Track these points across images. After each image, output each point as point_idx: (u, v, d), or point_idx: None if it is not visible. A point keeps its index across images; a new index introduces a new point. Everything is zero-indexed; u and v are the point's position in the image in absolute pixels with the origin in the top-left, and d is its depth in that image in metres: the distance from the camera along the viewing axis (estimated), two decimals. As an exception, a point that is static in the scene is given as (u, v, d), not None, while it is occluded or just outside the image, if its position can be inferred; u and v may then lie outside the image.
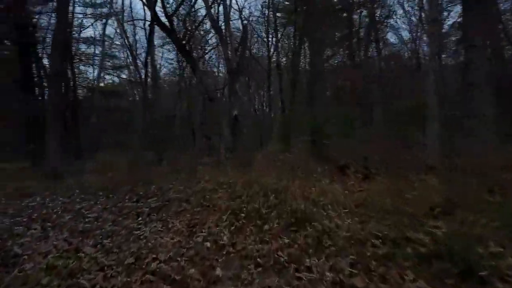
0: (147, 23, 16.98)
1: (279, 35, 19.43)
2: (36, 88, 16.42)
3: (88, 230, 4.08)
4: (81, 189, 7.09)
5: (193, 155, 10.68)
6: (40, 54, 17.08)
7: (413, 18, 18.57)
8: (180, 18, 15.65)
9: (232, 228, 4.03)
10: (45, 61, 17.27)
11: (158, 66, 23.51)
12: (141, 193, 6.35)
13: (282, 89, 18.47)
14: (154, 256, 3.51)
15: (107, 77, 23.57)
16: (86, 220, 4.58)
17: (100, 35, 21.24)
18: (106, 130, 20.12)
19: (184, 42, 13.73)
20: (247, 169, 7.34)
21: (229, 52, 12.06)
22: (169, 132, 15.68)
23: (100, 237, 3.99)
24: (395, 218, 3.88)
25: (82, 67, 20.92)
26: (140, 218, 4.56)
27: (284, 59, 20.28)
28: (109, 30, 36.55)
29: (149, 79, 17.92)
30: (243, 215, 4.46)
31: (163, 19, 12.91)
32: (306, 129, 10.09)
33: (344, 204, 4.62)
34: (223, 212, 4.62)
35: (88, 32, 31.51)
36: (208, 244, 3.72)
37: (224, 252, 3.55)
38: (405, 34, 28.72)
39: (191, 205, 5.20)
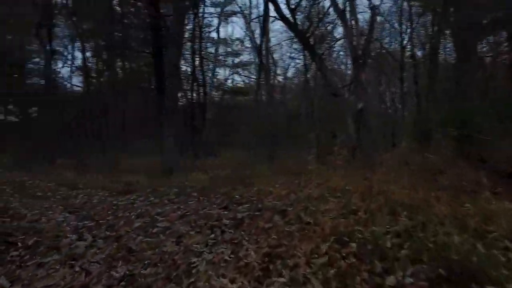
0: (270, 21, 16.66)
1: (413, 24, 17.11)
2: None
3: (137, 251, 3.08)
4: (180, 188, 6.49)
5: (311, 154, 9.38)
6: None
7: None
8: (303, 11, 14.93)
9: (332, 272, 2.51)
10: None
11: (286, 66, 23.05)
12: (236, 196, 5.30)
13: (417, 82, 16.20)
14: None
15: (235, 77, 24.10)
16: (152, 231, 3.68)
17: (229, 35, 21.77)
18: (232, 129, 20.39)
19: (308, 35, 12.91)
20: (370, 172, 5.62)
21: (354, 38, 10.51)
22: (289, 130, 14.76)
23: (143, 265, 2.83)
24: None
25: (211, 67, 21.70)
26: (212, 235, 3.43)
27: (419, 50, 18.09)
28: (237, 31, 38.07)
29: (272, 78, 17.53)
30: (353, 245, 2.89)
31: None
32: (450, 123, 7.60)
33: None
34: (324, 238, 3.11)
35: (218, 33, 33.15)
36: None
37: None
38: None
39: (285, 219, 3.85)
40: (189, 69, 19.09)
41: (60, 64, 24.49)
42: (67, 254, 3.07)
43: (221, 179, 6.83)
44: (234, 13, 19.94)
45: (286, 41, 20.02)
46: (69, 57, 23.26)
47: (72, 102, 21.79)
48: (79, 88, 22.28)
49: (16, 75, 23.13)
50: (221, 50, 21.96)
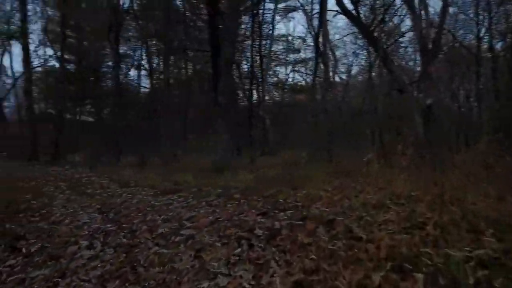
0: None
1: (492, 14, 15.38)
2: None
3: (144, 266, 2.48)
4: (225, 189, 5.99)
5: (372, 154, 8.32)
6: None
7: None
8: (367, 3, 13.84)
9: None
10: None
11: (349, 63, 21.89)
12: (280, 200, 4.63)
13: (496, 77, 14.59)
14: None
15: (296, 75, 23.31)
16: (174, 239, 3.15)
17: (290, 32, 21.05)
18: (291, 127, 19.65)
19: (372, 29, 11.85)
20: (441, 176, 4.59)
21: (424, 28, 9.27)
22: (350, 129, 13.69)
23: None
24: None
25: (271, 65, 21.16)
26: (237, 250, 2.81)
27: (498, 42, 16.08)
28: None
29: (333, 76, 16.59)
30: (419, 277, 2.07)
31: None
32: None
33: None
34: (378, 262, 2.34)
35: (281, 30, 32.49)
36: None
37: None
38: None
39: (331, 233, 3.10)
40: (248, 67, 18.80)
41: (129, 67, 25.93)
42: (61, 268, 2.63)
43: (268, 180, 6.20)
44: (294, 9, 19.20)
45: (350, 35, 18.96)
46: (137, 59, 24.46)
47: (138, 103, 22.77)
48: (146, 89, 23.08)
49: (92, 78, 24.82)
50: (281, 47, 21.37)
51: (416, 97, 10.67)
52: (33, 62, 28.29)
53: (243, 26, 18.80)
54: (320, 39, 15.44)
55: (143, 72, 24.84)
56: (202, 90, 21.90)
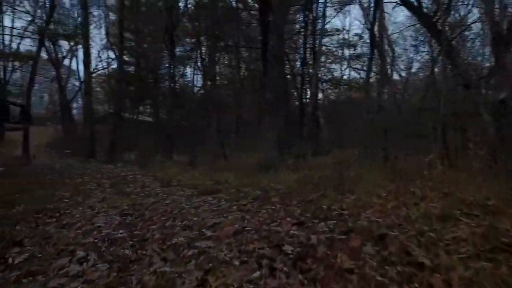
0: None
1: None
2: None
3: None
4: (264, 191, 5.38)
5: (435, 154, 7.15)
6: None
7: None
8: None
9: None
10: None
11: (409, 60, 20.32)
12: (323, 206, 3.92)
13: None
14: None
15: (351, 72, 22.03)
16: (186, 253, 2.58)
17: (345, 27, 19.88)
18: (346, 126, 18.46)
19: (434, 20, 10.53)
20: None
21: (496, 15, 7.93)
22: (409, 128, 12.35)
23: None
24: None
25: (325, 61, 20.17)
26: (254, 275, 2.17)
27: None
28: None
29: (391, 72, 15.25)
30: None
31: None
32: None
33: None
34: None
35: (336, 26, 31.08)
36: None
37: None
38: None
39: (382, 254, 2.34)
40: (300, 63, 18.06)
41: (184, 67, 26.35)
42: (34, 288, 2.24)
43: (313, 182, 5.47)
44: (350, 2, 18.06)
45: (410, 28, 17.44)
46: (192, 59, 24.71)
47: (192, 102, 22.96)
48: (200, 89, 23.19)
49: (151, 80, 25.57)
50: (335, 43, 20.28)
51: (485, 93, 9.23)
52: (97, 65, 30.03)
53: (295, 22, 18.13)
54: (377, 33, 14.30)
55: (198, 72, 25.10)
56: (255, 89, 21.50)
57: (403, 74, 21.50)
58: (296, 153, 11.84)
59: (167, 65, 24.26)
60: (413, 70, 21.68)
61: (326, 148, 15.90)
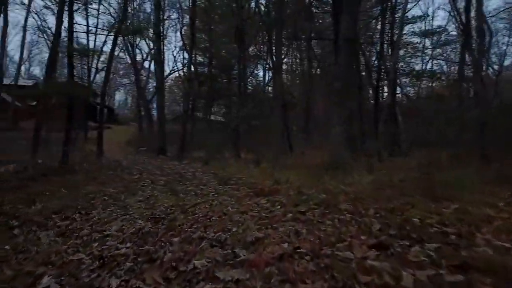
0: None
1: None
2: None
3: None
4: (331, 194, 4.26)
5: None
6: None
7: None
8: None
9: None
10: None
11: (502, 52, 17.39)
12: (414, 219, 2.72)
13: None
14: None
15: (436, 66, 19.50)
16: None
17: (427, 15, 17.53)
18: (430, 124, 16.15)
19: None
20: None
21: None
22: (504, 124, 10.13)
23: None
24: None
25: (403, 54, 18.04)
26: None
27: None
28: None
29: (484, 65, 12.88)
30: None
31: None
32: None
33: None
34: None
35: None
36: None
37: None
38: None
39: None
40: (376, 56, 16.37)
41: (256, 66, 25.92)
42: None
43: (393, 185, 4.21)
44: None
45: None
46: (263, 58, 24.17)
47: (263, 101, 22.31)
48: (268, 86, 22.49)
49: (225, 80, 25.54)
50: (418, 31, 18.03)
51: None
52: (173, 66, 30.87)
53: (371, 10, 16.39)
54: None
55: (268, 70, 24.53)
56: (325, 85, 20.10)
57: (496, 67, 18.57)
58: (369, 152, 10.35)
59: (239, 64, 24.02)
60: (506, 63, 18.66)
61: (405, 147, 14.07)
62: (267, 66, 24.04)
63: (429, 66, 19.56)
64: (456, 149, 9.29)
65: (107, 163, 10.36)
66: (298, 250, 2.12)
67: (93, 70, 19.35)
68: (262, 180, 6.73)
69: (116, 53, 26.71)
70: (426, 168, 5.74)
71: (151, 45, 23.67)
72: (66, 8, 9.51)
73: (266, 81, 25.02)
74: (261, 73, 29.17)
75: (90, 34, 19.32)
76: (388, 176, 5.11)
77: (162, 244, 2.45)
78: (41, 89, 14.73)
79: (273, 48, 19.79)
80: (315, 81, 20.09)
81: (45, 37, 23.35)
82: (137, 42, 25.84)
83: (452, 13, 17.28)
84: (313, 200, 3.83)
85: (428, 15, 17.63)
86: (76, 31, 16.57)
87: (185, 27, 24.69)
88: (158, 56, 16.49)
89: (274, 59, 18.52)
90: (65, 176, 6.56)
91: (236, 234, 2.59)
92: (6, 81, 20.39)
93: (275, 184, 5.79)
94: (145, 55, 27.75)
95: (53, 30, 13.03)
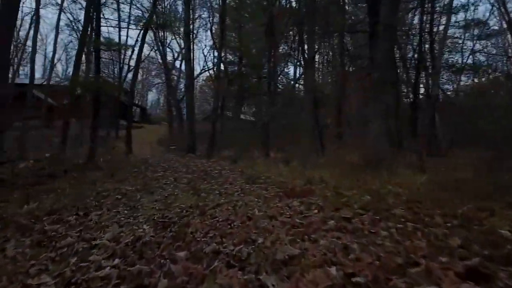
0: None
1: None
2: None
3: None
4: (377, 196, 3.51)
5: None
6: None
7: None
8: None
9: None
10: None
11: None
12: (503, 231, 1.97)
13: None
14: None
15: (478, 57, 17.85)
16: None
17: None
18: (471, 123, 14.68)
19: None
20: None
21: None
22: None
23: None
24: None
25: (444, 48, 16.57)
26: None
27: None
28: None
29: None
30: None
31: None
32: None
33: None
34: None
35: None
36: None
37: None
38: None
39: None
40: (414, 48, 15.19)
41: (287, 64, 25.13)
42: None
43: (452, 186, 3.39)
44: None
45: None
46: (294, 56, 23.37)
47: (294, 99, 21.54)
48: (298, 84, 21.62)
49: (254, 79, 24.85)
50: (461, 21, 16.54)
51: None
52: (203, 65, 30.74)
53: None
54: None
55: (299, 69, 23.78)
56: (358, 79, 19.00)
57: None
58: (416, 148, 9.36)
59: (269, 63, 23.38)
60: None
61: (444, 146, 12.90)
62: (298, 63, 23.22)
63: (469, 61, 17.98)
64: (500, 149, 8.13)
65: (134, 161, 9.99)
66: (354, 279, 1.42)
67: (125, 69, 19.30)
68: (292, 179, 6.06)
69: (147, 51, 26.89)
70: (487, 168, 4.83)
71: (182, 44, 23.45)
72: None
73: (297, 78, 24.19)
74: (291, 72, 28.28)
75: (119, 30, 19.27)
76: (443, 176, 4.26)
77: (162, 261, 1.83)
78: (69, 84, 14.78)
79: (305, 43, 19.05)
80: (348, 77, 19.01)
81: (78, 36, 23.67)
82: (167, 41, 25.78)
83: (496, 5, 15.80)
84: (357, 203, 3.10)
85: (470, 5, 16.10)
86: (104, 25, 16.46)
87: (215, 26, 24.30)
88: (187, 54, 16.08)
89: (306, 53, 17.74)
90: (85, 173, 6.15)
91: (262, 247, 1.92)
92: (40, 81, 20.75)
93: (307, 183, 5.10)
94: (176, 55, 27.67)
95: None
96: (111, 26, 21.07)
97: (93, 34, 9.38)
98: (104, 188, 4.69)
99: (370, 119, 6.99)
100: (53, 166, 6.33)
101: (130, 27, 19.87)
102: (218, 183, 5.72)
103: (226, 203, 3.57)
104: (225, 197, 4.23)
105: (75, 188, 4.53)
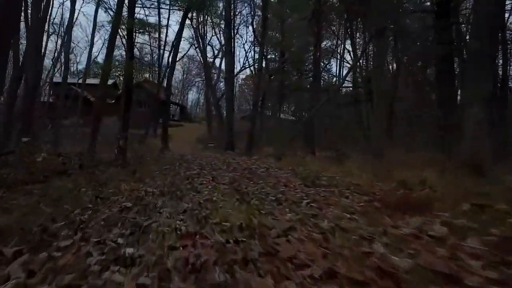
0: None
1: None
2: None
3: None
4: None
5: None
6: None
7: None
8: None
9: None
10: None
11: None
12: None
13: None
14: None
15: None
16: None
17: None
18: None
19: None
20: None
21: None
22: None
23: None
24: None
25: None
26: None
27: None
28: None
29: None
30: None
31: None
32: None
33: None
34: None
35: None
36: None
37: None
38: None
39: None
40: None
41: (330, 60, 23.32)
42: None
43: None
44: None
45: None
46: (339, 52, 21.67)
47: (339, 96, 19.75)
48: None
49: (295, 77, 23.12)
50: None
51: None
52: (244, 63, 29.34)
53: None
54: None
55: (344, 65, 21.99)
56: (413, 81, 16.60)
57: None
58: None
59: (311, 58, 21.68)
60: None
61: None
62: (343, 59, 21.38)
63: None
64: None
65: (169, 157, 8.77)
66: None
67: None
68: (368, 181, 4.44)
69: (185, 46, 25.91)
70: None
71: (222, 40, 22.23)
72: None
73: (342, 75, 22.28)
74: (333, 68, 26.33)
75: (158, 12, 18.36)
76: None
77: None
78: (101, 70, 13.94)
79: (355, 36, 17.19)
80: (402, 70, 16.68)
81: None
82: (208, 38, 24.79)
83: None
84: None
85: None
86: (139, 6, 15.29)
87: (256, 21, 22.87)
88: (227, 46, 14.83)
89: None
90: (106, 170, 4.92)
91: None
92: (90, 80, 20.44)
93: (403, 187, 3.42)
94: (216, 52, 26.58)
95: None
96: (147, 7, 19.74)
97: (127, 14, 8.23)
98: (115, 190, 3.33)
99: (468, 105, 5.16)
100: (71, 161, 5.15)
101: (169, 7, 18.84)
102: (269, 185, 4.22)
103: (299, 222, 2.03)
104: (288, 207, 2.69)
105: (70, 190, 3.20)
